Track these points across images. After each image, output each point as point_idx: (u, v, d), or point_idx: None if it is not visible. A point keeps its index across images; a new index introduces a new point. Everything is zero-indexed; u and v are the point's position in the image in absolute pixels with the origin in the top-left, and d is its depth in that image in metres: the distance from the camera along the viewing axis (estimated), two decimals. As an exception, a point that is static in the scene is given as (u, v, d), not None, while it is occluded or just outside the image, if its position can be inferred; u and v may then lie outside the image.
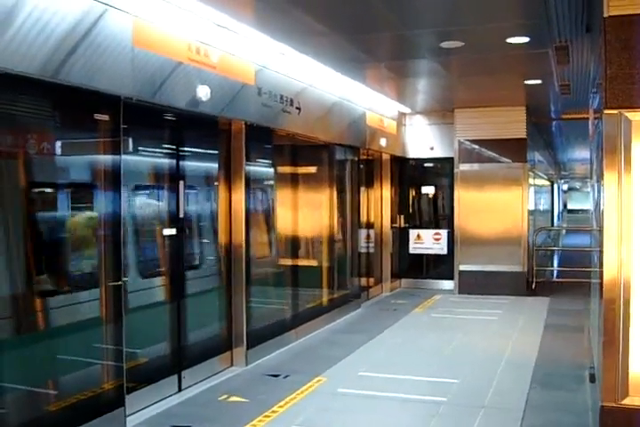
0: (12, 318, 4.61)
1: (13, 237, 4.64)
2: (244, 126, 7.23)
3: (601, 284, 4.72)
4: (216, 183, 7.23)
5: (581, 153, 22.88)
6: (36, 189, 4.94)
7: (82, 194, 5.35)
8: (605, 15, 4.55)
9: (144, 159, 6.33)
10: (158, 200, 6.46)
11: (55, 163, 5.09)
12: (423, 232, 13.36)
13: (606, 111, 4.56)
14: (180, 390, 6.37)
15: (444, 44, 7.49)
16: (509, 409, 5.86)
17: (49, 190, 5.07)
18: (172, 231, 6.38)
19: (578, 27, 6.48)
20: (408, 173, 13.69)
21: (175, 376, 6.36)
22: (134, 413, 5.65)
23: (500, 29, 6.95)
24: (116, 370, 5.36)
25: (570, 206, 49.01)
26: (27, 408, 4.72)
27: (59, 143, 5.01)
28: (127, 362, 5.47)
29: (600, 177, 5.12)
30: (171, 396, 6.21)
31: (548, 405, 6.01)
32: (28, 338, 4.80)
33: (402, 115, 13.21)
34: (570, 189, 50.02)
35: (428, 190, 13.92)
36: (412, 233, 13.42)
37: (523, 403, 6.01)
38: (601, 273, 4.72)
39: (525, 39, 7.26)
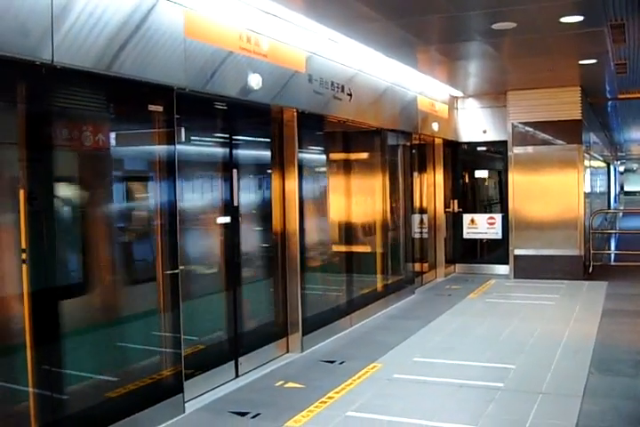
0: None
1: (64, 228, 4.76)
2: (295, 114, 7.24)
3: (661, 268, 4.63)
4: (269, 171, 7.27)
5: (639, 133, 22.43)
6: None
7: (138, 184, 5.45)
8: (663, -8, 4.44)
9: (198, 149, 6.40)
10: (212, 189, 6.53)
11: (111, 154, 5.17)
12: (477, 217, 13.25)
13: (665, 91, 4.45)
14: (237, 376, 6.45)
15: (496, 26, 7.38)
16: (567, 395, 5.80)
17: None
18: (227, 220, 6.44)
19: (634, 4, 6.34)
20: (461, 157, 13.57)
21: (232, 363, 6.44)
22: (193, 398, 5.76)
23: (553, 8, 6.81)
24: (174, 357, 5.45)
25: (627, 188, 48.14)
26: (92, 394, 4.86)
27: (114, 135, 5.09)
28: (185, 349, 5.57)
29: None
30: (228, 382, 6.29)
31: (606, 391, 5.93)
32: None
33: (453, 98, 13.09)
34: (626, 170, 49.10)
35: (482, 174, 13.77)
36: (466, 218, 13.32)
37: (581, 389, 5.94)
38: (661, 257, 4.64)
39: (580, 18, 7.11)
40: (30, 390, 4.26)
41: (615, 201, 34.17)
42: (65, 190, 4.71)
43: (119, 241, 5.30)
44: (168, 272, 5.39)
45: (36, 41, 4.14)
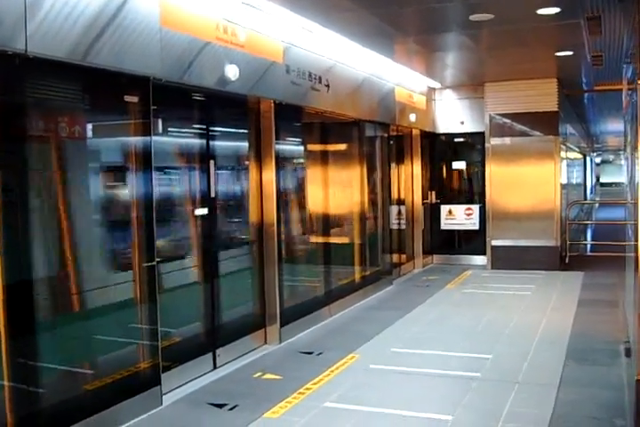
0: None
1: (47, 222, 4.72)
2: (273, 105, 7.22)
3: (636, 257, 4.67)
4: (246, 162, 7.24)
5: (614, 125, 22.59)
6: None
7: (113, 176, 5.40)
8: (639, -16, 4.46)
9: (174, 140, 6.35)
10: (189, 180, 6.49)
11: (87, 146, 5.12)
12: (455, 208, 13.30)
13: (640, 82, 4.49)
14: (214, 367, 6.44)
15: (474, 17, 7.39)
16: (544, 384, 5.85)
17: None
18: (204, 211, 6.41)
19: (610, -4, 6.37)
20: (439, 148, 13.61)
21: (210, 354, 6.43)
22: (171, 390, 5.74)
23: (530, 0, 6.83)
24: (151, 349, 5.43)
25: (603, 180, 48.50)
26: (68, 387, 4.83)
27: (90, 126, 5.04)
28: (162, 341, 5.54)
29: (634, 149, 5.05)
30: (206, 374, 6.28)
31: (582, 380, 5.98)
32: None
33: (431, 90, 13.10)
34: (603, 161, 49.45)
35: (459, 165, 13.79)
36: (444, 209, 13.37)
37: (557, 378, 5.99)
38: (636, 246, 4.68)
39: (556, 10, 7.13)
40: (5, 383, 4.22)
41: (591, 192, 34.43)
42: (40, 182, 4.66)
43: (95, 232, 5.25)
44: (145, 264, 5.36)
45: (8, 30, 4.08)
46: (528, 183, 12.30)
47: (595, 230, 19.08)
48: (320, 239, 8.80)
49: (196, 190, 6.43)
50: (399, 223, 12.06)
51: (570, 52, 9.63)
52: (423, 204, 13.06)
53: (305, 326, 7.88)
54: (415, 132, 12.68)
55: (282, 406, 5.40)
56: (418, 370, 6.30)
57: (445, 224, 13.38)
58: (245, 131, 7.26)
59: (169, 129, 6.11)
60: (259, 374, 6.29)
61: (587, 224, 19.60)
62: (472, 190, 13.78)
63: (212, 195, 6.48)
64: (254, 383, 6.04)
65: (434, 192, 13.50)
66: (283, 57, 7.30)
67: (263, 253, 7.32)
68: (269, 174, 7.28)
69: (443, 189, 13.76)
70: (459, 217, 13.24)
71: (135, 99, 5.28)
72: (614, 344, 7.02)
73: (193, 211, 6.39)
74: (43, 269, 4.61)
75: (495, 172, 12.50)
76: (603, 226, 18.48)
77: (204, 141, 6.43)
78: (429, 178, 13.47)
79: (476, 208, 13.10)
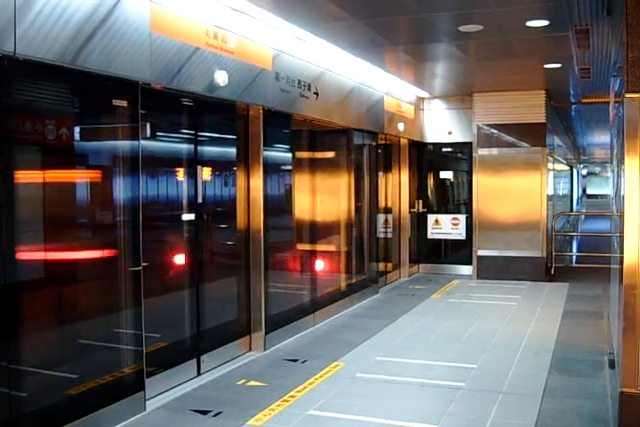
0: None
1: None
2: (261, 111, 7.22)
3: (621, 269, 4.69)
4: (234, 168, 7.23)
5: (601, 137, 22.74)
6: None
7: (101, 179, 5.38)
8: (627, -3, 4.50)
9: (162, 144, 6.34)
10: (176, 185, 6.47)
11: (74, 149, 5.10)
12: (441, 217, 13.33)
13: (627, 95, 4.51)
14: (199, 374, 6.41)
15: (463, 28, 7.42)
16: (527, 395, 5.85)
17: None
18: (191, 217, 6.39)
19: (598, 9, 6.41)
20: (426, 157, 13.63)
21: (194, 361, 6.39)
22: (154, 396, 5.70)
23: (519, 12, 6.86)
24: (135, 354, 5.40)
25: (589, 191, 48.70)
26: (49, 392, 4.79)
27: (77, 129, 5.02)
28: (146, 346, 5.51)
29: (621, 161, 5.07)
30: (190, 380, 6.25)
31: (566, 391, 5.99)
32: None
33: (420, 99, 13.14)
34: (589, 173, 49.67)
35: (447, 175, 13.82)
36: (431, 218, 13.39)
37: (541, 389, 6.00)
38: (621, 259, 4.69)
39: (545, 22, 7.18)
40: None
41: (577, 204, 34.59)
42: (27, 185, 4.63)
43: (82, 237, 5.23)
44: (131, 269, 5.34)
45: (-3, 31, 4.07)
46: (515, 194, 12.33)
47: (580, 242, 19.15)
48: (307, 247, 8.79)
49: (183, 196, 6.41)
50: (386, 232, 12.07)
51: (558, 65, 9.68)
52: (410, 213, 13.07)
53: (290, 334, 7.86)
54: (403, 141, 12.70)
55: (266, 414, 5.38)
56: (402, 379, 6.30)
57: (432, 233, 13.40)
58: (234, 137, 7.25)
59: (157, 133, 6.10)
60: (243, 381, 6.27)
61: (572, 235, 19.67)
62: (459, 200, 13.83)
63: (200, 200, 6.47)
64: (238, 390, 6.02)
65: (421, 201, 13.52)
66: (272, 64, 7.31)
67: (249, 260, 7.31)
68: (257, 181, 7.27)
69: (430, 198, 13.78)
70: (445, 227, 13.26)
71: (124, 103, 5.27)
72: (598, 355, 7.05)
73: (180, 216, 6.37)
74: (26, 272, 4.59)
75: (482, 182, 12.53)
76: (588, 237, 18.54)
77: (191, 146, 6.42)
78: (417, 187, 13.49)
79: (462, 218, 13.13)
